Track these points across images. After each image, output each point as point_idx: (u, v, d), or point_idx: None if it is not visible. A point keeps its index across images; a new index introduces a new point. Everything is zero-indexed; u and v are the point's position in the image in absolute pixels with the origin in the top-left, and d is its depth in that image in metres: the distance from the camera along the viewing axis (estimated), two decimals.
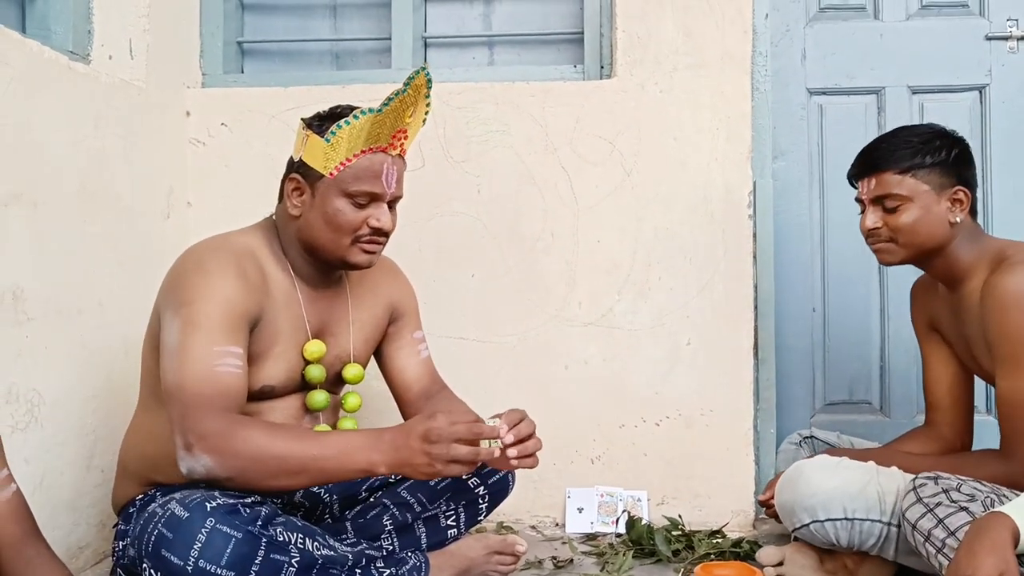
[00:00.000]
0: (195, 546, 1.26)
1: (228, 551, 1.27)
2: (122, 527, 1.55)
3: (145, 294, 1.99)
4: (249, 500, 1.37)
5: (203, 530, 1.27)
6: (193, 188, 2.30)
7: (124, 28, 2.07)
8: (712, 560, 1.86)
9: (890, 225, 1.73)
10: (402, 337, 1.81)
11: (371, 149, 1.53)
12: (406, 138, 1.58)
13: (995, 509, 1.31)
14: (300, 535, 1.40)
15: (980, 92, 2.37)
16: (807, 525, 1.63)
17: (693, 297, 2.19)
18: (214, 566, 1.26)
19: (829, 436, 2.13)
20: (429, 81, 1.53)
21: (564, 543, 2.05)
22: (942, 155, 1.71)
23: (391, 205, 1.60)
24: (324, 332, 1.64)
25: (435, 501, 1.73)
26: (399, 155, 1.58)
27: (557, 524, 2.20)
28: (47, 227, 1.72)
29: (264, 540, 1.31)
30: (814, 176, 2.40)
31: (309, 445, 1.38)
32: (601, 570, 1.84)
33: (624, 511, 2.07)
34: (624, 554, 1.87)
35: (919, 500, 1.48)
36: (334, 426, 1.68)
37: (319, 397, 1.62)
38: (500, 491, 1.78)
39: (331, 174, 1.52)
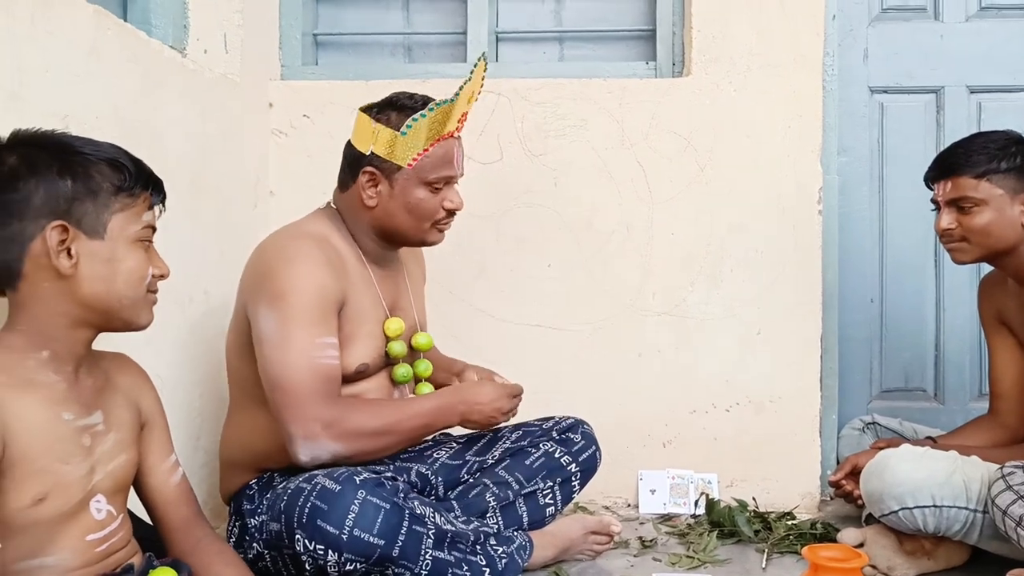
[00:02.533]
0: (349, 516, 1.35)
1: (379, 521, 1.36)
2: (247, 506, 1.63)
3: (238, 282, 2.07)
4: (388, 474, 1.46)
5: (355, 501, 1.36)
6: (275, 178, 2.37)
7: (219, 22, 2.12)
8: (790, 540, 1.96)
9: (964, 226, 1.82)
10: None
11: (442, 137, 1.62)
12: (466, 120, 1.69)
13: None
14: (431, 509, 1.49)
15: None
16: (895, 512, 1.72)
17: (763, 289, 2.28)
18: (367, 535, 1.35)
19: (891, 422, 2.23)
20: (486, 66, 1.66)
21: (641, 523, 2.15)
22: (1017, 160, 1.80)
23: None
24: (395, 308, 1.75)
25: (532, 479, 1.81)
26: (459, 136, 1.69)
27: (629, 505, 2.29)
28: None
29: (407, 512, 1.40)
30: (874, 172, 2.48)
31: (405, 414, 1.57)
32: (687, 550, 1.93)
33: (702, 493, 2.17)
34: (707, 534, 1.97)
35: (1009, 487, 1.57)
36: (413, 392, 1.80)
37: (403, 371, 1.73)
38: (590, 467, 1.89)
39: (409, 165, 1.61)
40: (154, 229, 1.22)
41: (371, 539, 1.35)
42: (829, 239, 2.31)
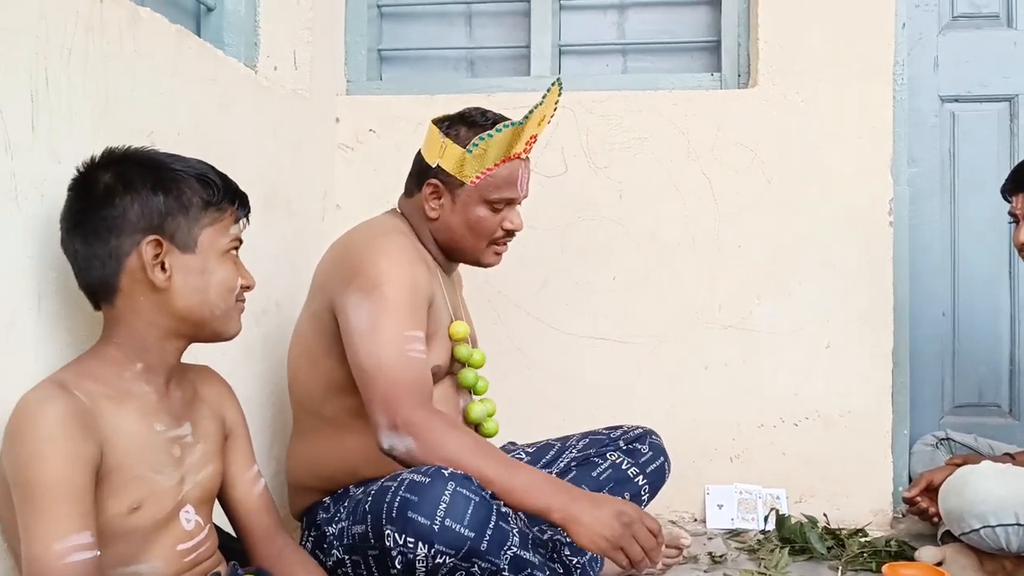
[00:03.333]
0: (441, 506, 1.32)
1: (469, 512, 1.32)
2: (323, 515, 1.63)
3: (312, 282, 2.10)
4: None
5: (446, 492, 1.33)
6: (342, 192, 2.40)
7: (289, 40, 2.17)
8: (864, 558, 1.92)
9: None
10: None
11: (508, 158, 1.62)
12: (535, 142, 1.67)
13: None
14: (512, 511, 1.47)
15: None
16: (977, 530, 1.68)
17: (833, 302, 2.25)
18: (458, 525, 1.32)
19: (966, 438, 2.19)
20: (561, 90, 1.62)
21: (710, 538, 2.12)
22: None
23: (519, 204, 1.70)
24: (457, 316, 1.73)
25: (598, 491, 1.79)
26: (527, 158, 1.68)
27: (696, 520, 2.27)
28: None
29: (495, 507, 1.38)
30: (945, 182, 2.43)
31: (501, 471, 1.41)
32: (758, 566, 1.91)
33: (772, 509, 2.14)
34: (779, 550, 1.94)
35: None
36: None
37: (469, 375, 1.70)
38: (658, 479, 1.86)
39: (472, 182, 1.61)
40: (241, 241, 1.24)
41: (462, 530, 1.32)
42: (900, 251, 2.26)
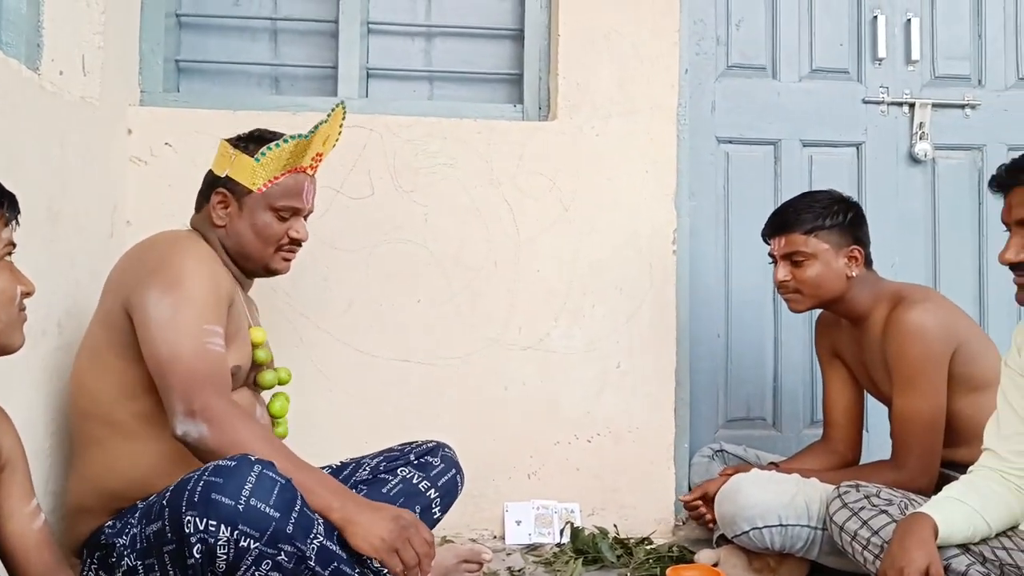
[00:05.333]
0: (247, 486, 1.30)
1: (275, 493, 1.32)
2: (109, 531, 1.55)
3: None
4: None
5: (252, 473, 1.32)
6: (133, 207, 2.28)
7: (77, 43, 2.04)
8: (649, 564, 2.06)
9: (797, 278, 2.01)
10: None
11: (294, 170, 1.73)
12: (321, 161, 1.80)
13: (917, 510, 1.58)
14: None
15: (857, 148, 2.73)
16: (746, 532, 1.86)
17: (622, 324, 2.40)
18: (264, 505, 1.30)
19: (737, 449, 2.39)
20: (344, 114, 1.80)
21: (508, 554, 2.19)
22: (840, 218, 2.01)
23: (304, 218, 1.80)
24: (255, 324, 1.80)
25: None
26: (313, 176, 1.80)
27: (495, 536, 2.33)
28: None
29: (299, 495, 1.37)
30: (719, 216, 2.67)
31: (288, 465, 1.43)
32: None
33: (567, 523, 2.24)
34: (574, 561, 2.04)
35: (844, 505, 1.73)
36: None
37: (269, 376, 1.76)
38: (450, 491, 1.89)
39: (259, 190, 1.71)
40: (14, 245, 1.16)
41: (267, 510, 1.30)
42: (682, 278, 2.46)
